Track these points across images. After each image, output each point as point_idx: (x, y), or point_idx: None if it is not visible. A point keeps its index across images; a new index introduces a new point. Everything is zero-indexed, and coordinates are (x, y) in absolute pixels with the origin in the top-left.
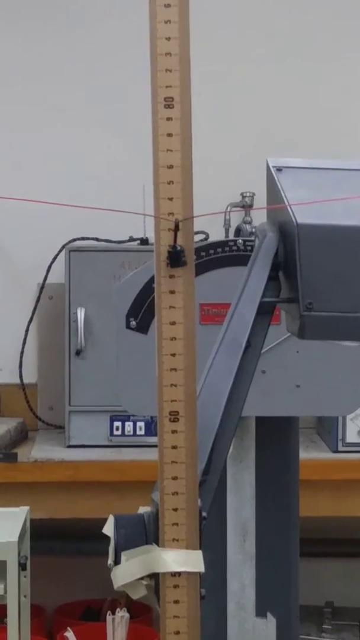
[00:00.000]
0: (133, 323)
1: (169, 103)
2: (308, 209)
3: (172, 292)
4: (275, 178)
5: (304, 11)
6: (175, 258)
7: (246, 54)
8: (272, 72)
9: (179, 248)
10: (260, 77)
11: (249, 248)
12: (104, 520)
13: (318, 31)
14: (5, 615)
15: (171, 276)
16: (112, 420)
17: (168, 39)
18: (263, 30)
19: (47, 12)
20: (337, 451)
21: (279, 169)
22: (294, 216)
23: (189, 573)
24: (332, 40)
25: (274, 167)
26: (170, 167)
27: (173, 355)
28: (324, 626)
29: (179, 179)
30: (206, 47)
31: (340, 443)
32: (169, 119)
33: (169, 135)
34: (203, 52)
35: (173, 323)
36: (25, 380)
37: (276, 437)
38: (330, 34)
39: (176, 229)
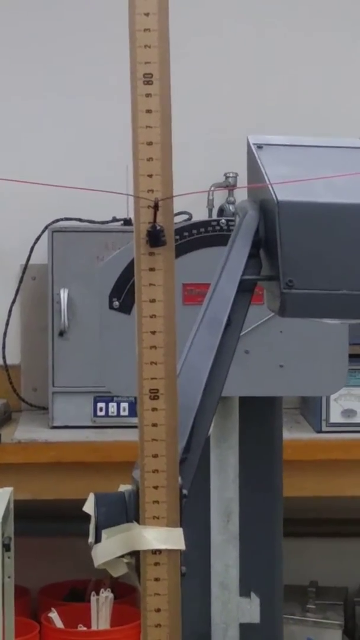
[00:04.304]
0: (116, 303)
1: (148, 79)
2: (288, 186)
3: (151, 269)
4: (256, 155)
5: None
6: (154, 237)
7: (229, 31)
8: (256, 50)
9: (158, 227)
10: (244, 55)
11: (231, 228)
12: None
13: (304, 6)
14: None
15: (151, 254)
16: (95, 401)
17: (147, 14)
18: (247, 6)
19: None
20: (321, 431)
21: (259, 146)
22: (275, 194)
23: (169, 550)
24: (318, 16)
25: (254, 144)
26: (150, 143)
27: (153, 332)
28: (308, 605)
29: (158, 155)
30: (187, 23)
31: (324, 423)
32: (148, 95)
33: (148, 111)
34: (184, 27)
35: (153, 300)
36: (9, 362)
37: (260, 417)
38: (314, 9)
39: (156, 207)
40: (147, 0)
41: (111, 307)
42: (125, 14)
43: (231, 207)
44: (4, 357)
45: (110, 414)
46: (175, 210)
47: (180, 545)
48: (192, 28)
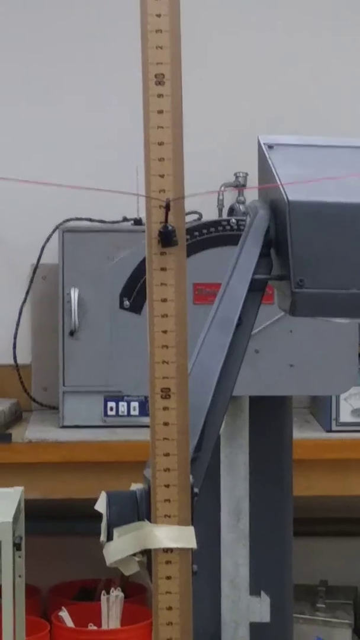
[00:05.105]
0: (126, 303)
1: (159, 80)
2: (299, 186)
3: (163, 269)
4: (267, 155)
5: None
6: (166, 238)
7: (239, 30)
8: (267, 50)
9: (170, 228)
10: (255, 55)
11: (242, 227)
12: None
13: (313, 9)
14: None
15: (162, 253)
16: (106, 401)
17: (159, 15)
18: (258, 7)
19: None
20: (330, 431)
21: (270, 146)
22: (285, 193)
23: (180, 549)
24: (326, 17)
25: (265, 144)
26: (161, 144)
27: (164, 332)
28: (317, 605)
29: (169, 155)
30: (199, 21)
31: (334, 422)
32: (159, 95)
33: (160, 112)
34: (194, 28)
35: (164, 300)
36: (19, 361)
37: (270, 416)
38: (323, 10)
39: (167, 207)
40: (158, 1)
41: (122, 306)
42: (134, 16)
43: (241, 207)
44: (14, 357)
45: (120, 413)
46: (186, 210)
47: (192, 543)
48: (203, 29)
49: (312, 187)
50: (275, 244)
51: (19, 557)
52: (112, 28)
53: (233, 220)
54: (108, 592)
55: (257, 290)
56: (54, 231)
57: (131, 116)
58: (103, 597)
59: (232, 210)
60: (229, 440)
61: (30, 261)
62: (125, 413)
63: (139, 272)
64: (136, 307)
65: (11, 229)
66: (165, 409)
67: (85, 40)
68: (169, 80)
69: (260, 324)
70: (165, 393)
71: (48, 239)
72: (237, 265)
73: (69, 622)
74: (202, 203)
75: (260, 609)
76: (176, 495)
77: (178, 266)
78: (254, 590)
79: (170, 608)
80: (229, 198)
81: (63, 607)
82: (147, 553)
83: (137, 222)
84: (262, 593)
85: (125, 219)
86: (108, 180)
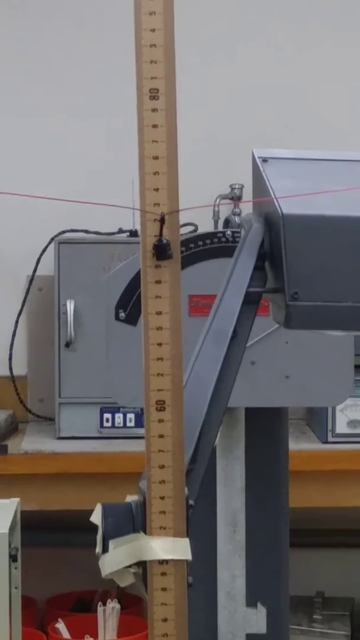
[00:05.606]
0: (122, 315)
1: (154, 94)
2: (293, 199)
3: (158, 281)
4: (261, 169)
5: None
6: (161, 251)
7: (235, 44)
8: (262, 62)
9: (164, 241)
10: (250, 67)
11: (237, 239)
12: None
13: (309, 19)
14: None
15: (157, 266)
16: (102, 412)
17: (153, 30)
18: (253, 18)
19: (32, 3)
20: (327, 442)
21: (264, 160)
22: (279, 206)
23: (176, 561)
24: (324, 31)
25: (259, 157)
26: (156, 158)
27: (159, 344)
28: (314, 616)
29: (164, 169)
30: (194, 34)
31: (330, 434)
32: (154, 110)
33: (155, 126)
34: (190, 40)
35: (159, 313)
36: (15, 373)
37: (266, 428)
38: (321, 24)
39: (162, 221)
40: (153, 16)
41: (117, 318)
42: (129, 31)
43: (237, 219)
44: (10, 368)
45: (116, 424)
46: (181, 222)
47: (187, 555)
48: (199, 41)
49: (306, 201)
50: (269, 257)
51: (15, 568)
52: (105, 44)
53: (229, 232)
54: (104, 604)
55: (251, 303)
56: (49, 243)
57: (127, 128)
58: (99, 609)
59: (227, 222)
60: (225, 452)
61: (26, 273)
62: (122, 424)
63: (135, 283)
64: (132, 319)
65: (7, 241)
66: (160, 421)
67: (82, 49)
68: (164, 95)
69: (256, 336)
70: (160, 405)
71: (44, 251)
72: (232, 278)
73: (66, 634)
74: (198, 215)
75: (257, 620)
76: (171, 507)
77: (173, 279)
78: (251, 602)
79: (165, 620)
80: (225, 210)
81: (59, 619)
82: (142, 565)
83: (133, 233)
84: (259, 604)
85: (121, 231)
86: (104, 192)
